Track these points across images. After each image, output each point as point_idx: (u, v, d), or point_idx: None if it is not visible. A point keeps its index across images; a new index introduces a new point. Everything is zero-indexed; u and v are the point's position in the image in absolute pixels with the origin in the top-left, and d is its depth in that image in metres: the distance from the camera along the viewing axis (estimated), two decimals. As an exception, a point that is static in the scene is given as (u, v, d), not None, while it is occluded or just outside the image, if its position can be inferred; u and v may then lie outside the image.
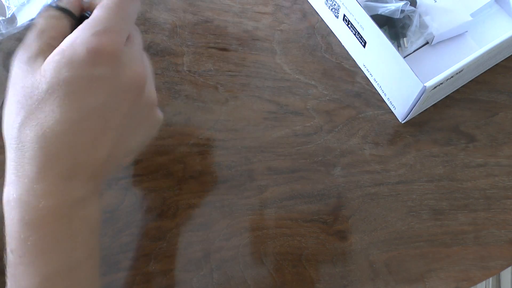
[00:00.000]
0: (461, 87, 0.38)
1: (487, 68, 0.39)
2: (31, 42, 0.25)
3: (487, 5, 0.39)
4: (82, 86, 0.23)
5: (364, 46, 0.36)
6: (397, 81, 0.35)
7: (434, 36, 0.38)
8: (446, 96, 0.38)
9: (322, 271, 0.34)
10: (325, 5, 0.40)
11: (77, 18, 0.28)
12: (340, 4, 0.37)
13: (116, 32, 0.25)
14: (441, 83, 0.32)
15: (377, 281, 0.33)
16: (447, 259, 0.33)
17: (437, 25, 0.38)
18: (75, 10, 0.28)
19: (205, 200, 0.36)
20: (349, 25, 0.37)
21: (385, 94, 0.38)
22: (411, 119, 0.37)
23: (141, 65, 0.26)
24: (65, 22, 0.26)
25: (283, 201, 0.36)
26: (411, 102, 0.34)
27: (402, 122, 0.37)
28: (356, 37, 0.37)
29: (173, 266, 0.34)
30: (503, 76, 0.39)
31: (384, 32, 0.34)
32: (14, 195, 0.24)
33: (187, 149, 0.38)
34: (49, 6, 0.27)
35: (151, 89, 0.27)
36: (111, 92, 0.24)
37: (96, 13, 0.25)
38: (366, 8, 0.35)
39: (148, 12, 0.43)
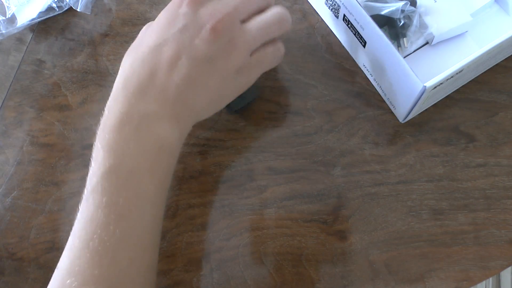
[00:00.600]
0: (461, 87, 0.38)
1: (487, 68, 0.39)
2: None
3: (487, 5, 0.39)
4: (167, 20, 0.30)
5: (364, 46, 0.36)
6: (397, 81, 0.35)
7: (434, 36, 0.38)
8: (446, 96, 0.38)
9: (322, 271, 0.34)
10: (325, 5, 0.40)
11: None
12: (340, 4, 0.37)
13: None
14: (441, 83, 0.32)
15: (377, 281, 0.33)
16: (447, 259, 0.33)
17: (437, 25, 0.38)
18: None
19: (205, 200, 0.36)
20: (349, 25, 0.37)
21: (385, 94, 0.38)
22: (411, 119, 0.37)
23: (220, 11, 0.30)
24: None
25: (283, 201, 0.36)
26: (411, 102, 0.34)
27: (402, 122, 0.37)
28: (356, 37, 0.37)
29: (173, 266, 0.34)
30: (503, 76, 0.39)
31: (384, 32, 0.34)
32: (108, 104, 0.29)
33: (187, 149, 0.38)
34: None
35: (237, 37, 0.31)
36: (186, 24, 0.30)
37: None
38: (366, 8, 0.35)
39: (148, 12, 0.43)
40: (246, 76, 0.32)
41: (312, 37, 0.41)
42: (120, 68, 0.31)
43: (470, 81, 0.38)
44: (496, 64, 0.39)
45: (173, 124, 0.29)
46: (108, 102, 0.30)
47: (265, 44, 0.33)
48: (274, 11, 0.33)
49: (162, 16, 0.31)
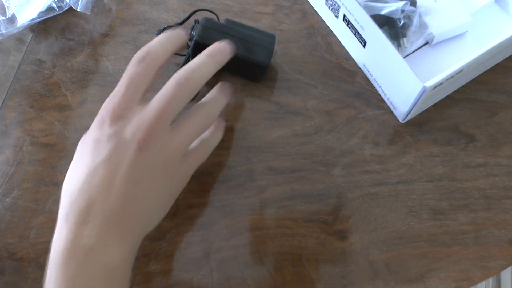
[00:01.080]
0: (461, 87, 0.38)
1: (487, 68, 0.39)
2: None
3: (487, 5, 0.39)
4: (94, 145, 0.29)
5: (364, 46, 0.36)
6: (397, 81, 0.35)
7: (434, 36, 0.38)
8: (446, 96, 0.38)
9: (322, 271, 0.34)
10: (325, 5, 0.39)
11: None
12: (340, 4, 0.37)
13: (124, 94, 0.29)
14: (441, 83, 0.32)
15: (377, 281, 0.33)
16: (447, 259, 0.33)
17: (437, 25, 0.38)
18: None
19: (205, 200, 0.36)
20: (349, 25, 0.37)
21: (385, 94, 0.38)
22: (411, 119, 0.37)
23: (144, 124, 0.29)
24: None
25: (283, 201, 0.36)
26: (411, 102, 0.34)
27: (402, 122, 0.37)
28: (356, 37, 0.37)
29: (173, 266, 0.34)
30: (503, 76, 0.39)
31: (384, 32, 0.34)
32: (53, 239, 0.28)
33: (187, 149, 0.38)
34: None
35: (168, 146, 0.30)
36: (115, 146, 0.29)
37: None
38: (366, 8, 0.35)
39: (148, 12, 0.43)
40: (185, 177, 0.32)
41: (312, 37, 0.41)
42: (62, 196, 0.30)
43: (470, 81, 0.38)
44: (496, 64, 0.39)
45: (120, 248, 0.28)
46: (53, 237, 0.28)
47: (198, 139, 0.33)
48: (205, 106, 0.32)
49: (89, 139, 0.30)
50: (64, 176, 0.37)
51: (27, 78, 0.41)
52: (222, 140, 0.38)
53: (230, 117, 0.38)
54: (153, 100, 0.30)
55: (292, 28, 0.42)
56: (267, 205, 0.35)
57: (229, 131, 0.38)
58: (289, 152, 0.37)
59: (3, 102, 0.41)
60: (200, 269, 0.34)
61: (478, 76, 0.39)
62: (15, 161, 0.38)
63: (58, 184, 0.37)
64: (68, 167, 0.38)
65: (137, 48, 0.41)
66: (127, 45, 0.42)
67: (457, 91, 0.38)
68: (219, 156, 0.37)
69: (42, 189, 0.37)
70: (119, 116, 0.29)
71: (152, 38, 0.42)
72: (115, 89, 0.30)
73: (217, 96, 0.33)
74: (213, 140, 0.35)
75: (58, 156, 0.38)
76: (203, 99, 0.33)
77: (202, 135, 0.34)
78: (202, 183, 0.36)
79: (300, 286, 0.33)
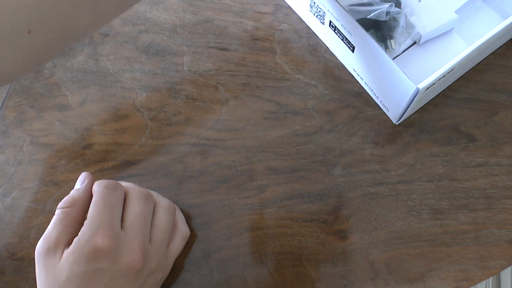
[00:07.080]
0: (461, 86, 0.38)
1: (476, 63, 0.39)
2: (49, 233, 0.29)
3: (470, 0, 0.39)
4: (89, 277, 0.28)
5: (352, 51, 0.36)
6: (389, 84, 0.34)
7: (421, 36, 0.38)
8: (446, 96, 0.38)
9: (322, 270, 0.34)
10: (309, 12, 0.39)
11: None
12: (325, 10, 0.36)
13: (108, 225, 0.29)
14: (434, 83, 0.32)
15: (377, 280, 0.33)
16: (447, 259, 0.33)
17: (423, 25, 0.38)
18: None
19: (205, 200, 0.36)
20: (336, 31, 0.37)
21: (377, 97, 0.37)
22: (411, 119, 0.37)
23: (138, 247, 0.29)
24: (78, 208, 0.30)
25: (283, 201, 0.36)
26: (404, 104, 0.33)
27: (397, 123, 0.37)
28: (344, 42, 0.37)
29: (173, 266, 0.34)
30: (503, 76, 0.39)
31: (371, 35, 0.33)
32: None
33: (187, 149, 0.38)
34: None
35: (158, 260, 0.31)
36: (111, 278, 0.29)
37: (90, 211, 0.29)
38: (351, 13, 0.35)
39: (148, 12, 0.43)
40: (169, 266, 0.33)
41: (312, 37, 0.41)
42: None
43: (470, 80, 0.39)
44: (496, 64, 0.39)
45: None
46: None
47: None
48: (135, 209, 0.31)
49: (79, 269, 0.29)
50: (64, 176, 0.37)
51: (27, 78, 0.41)
52: (222, 140, 0.38)
53: (231, 117, 0.38)
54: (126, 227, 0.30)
55: (292, 28, 0.42)
56: (267, 205, 0.35)
57: (229, 131, 0.38)
58: (289, 152, 0.37)
59: (3, 102, 0.41)
60: (200, 269, 0.34)
61: (478, 75, 0.39)
62: (15, 161, 0.38)
63: (58, 184, 0.37)
64: (68, 167, 0.38)
65: (137, 48, 0.42)
66: (127, 45, 0.42)
67: (457, 91, 0.38)
68: (219, 156, 0.37)
69: (42, 189, 0.37)
70: (106, 249, 0.29)
71: (151, 38, 0.43)
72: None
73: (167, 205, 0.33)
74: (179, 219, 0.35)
75: (58, 156, 0.38)
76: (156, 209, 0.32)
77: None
78: (202, 183, 0.36)
79: (300, 286, 0.33)
